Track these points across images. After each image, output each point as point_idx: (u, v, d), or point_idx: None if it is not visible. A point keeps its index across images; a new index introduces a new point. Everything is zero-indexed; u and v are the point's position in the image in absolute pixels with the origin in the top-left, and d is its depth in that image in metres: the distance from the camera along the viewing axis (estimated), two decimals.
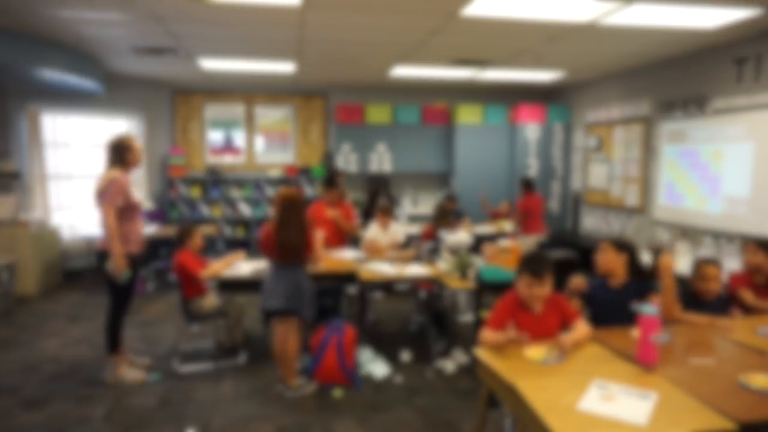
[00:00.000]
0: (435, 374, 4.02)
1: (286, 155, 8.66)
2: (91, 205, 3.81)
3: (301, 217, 3.61)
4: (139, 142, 3.93)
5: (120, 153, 3.78)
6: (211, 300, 4.20)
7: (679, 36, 5.00)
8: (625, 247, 2.92)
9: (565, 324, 2.59)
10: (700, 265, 3.07)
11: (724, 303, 3.04)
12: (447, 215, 5.07)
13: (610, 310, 2.77)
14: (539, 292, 2.53)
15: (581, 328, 2.51)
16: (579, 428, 1.69)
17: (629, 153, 6.90)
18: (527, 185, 6.62)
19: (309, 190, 8.34)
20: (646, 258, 4.34)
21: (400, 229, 5.27)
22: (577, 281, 3.01)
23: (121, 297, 3.85)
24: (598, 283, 2.95)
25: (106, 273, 3.78)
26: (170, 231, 6.69)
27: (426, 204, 8.50)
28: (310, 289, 3.74)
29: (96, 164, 3.91)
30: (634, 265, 2.91)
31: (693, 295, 3.02)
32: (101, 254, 3.79)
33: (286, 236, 3.55)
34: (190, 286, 4.07)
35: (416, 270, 4.33)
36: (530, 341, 2.38)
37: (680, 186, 5.94)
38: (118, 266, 3.64)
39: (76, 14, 4.45)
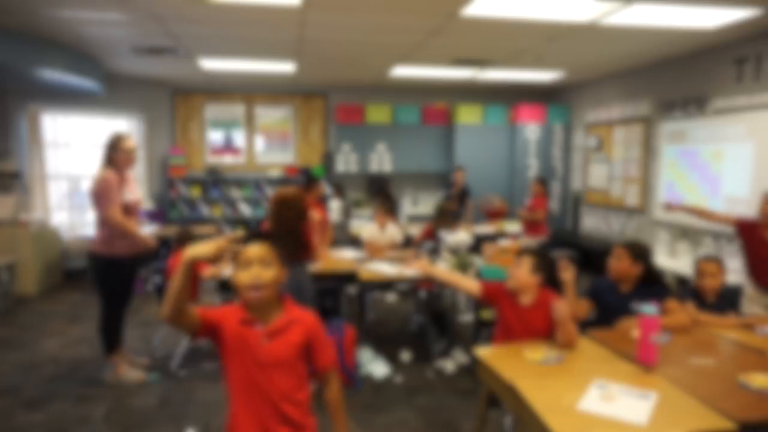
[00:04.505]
0: (435, 374, 4.02)
1: (286, 155, 8.66)
2: (89, 205, 3.81)
3: (294, 215, 3.60)
4: (131, 142, 3.82)
5: (109, 152, 3.75)
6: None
7: (679, 36, 5.00)
8: (641, 256, 2.83)
9: (555, 326, 2.58)
10: (699, 262, 3.07)
11: (726, 302, 3.02)
12: (447, 215, 5.07)
13: (620, 314, 2.75)
14: (513, 271, 2.66)
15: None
16: (579, 428, 1.69)
17: (629, 153, 6.90)
18: (545, 186, 6.43)
19: None
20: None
21: (396, 230, 5.26)
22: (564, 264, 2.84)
23: (115, 298, 3.85)
24: (607, 286, 2.92)
25: (99, 274, 3.80)
26: (170, 231, 6.70)
27: (426, 204, 8.49)
28: (312, 289, 3.74)
29: (96, 164, 3.88)
30: (648, 271, 2.85)
31: (696, 294, 3.02)
32: (92, 256, 3.80)
33: (280, 235, 3.56)
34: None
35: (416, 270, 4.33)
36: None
37: (680, 186, 5.94)
38: (147, 245, 3.79)
39: (76, 14, 4.45)
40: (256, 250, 1.68)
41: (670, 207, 4.35)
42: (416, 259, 2.94)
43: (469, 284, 2.85)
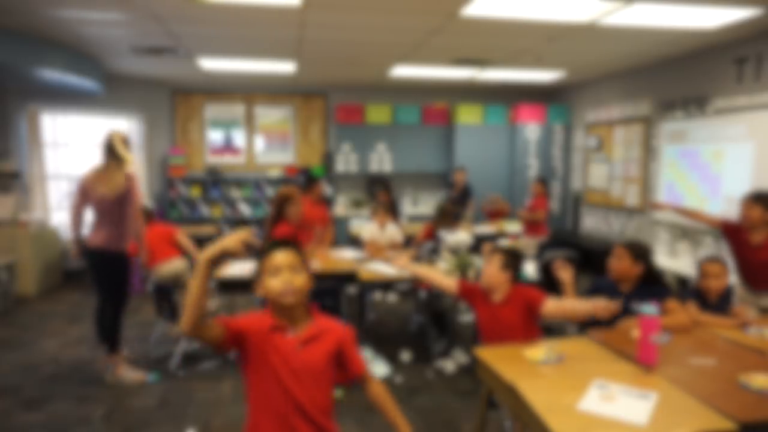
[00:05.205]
0: (435, 374, 4.02)
1: (286, 155, 8.65)
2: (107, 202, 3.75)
3: (273, 213, 3.63)
4: None
5: (127, 148, 3.82)
6: (175, 265, 4.51)
7: (679, 36, 5.00)
8: (642, 256, 2.83)
9: (531, 311, 2.60)
10: (703, 263, 3.06)
11: (728, 302, 3.02)
12: (447, 216, 5.07)
13: (620, 314, 2.75)
14: (484, 269, 2.71)
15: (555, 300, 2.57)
16: (579, 428, 1.69)
17: (629, 153, 6.90)
18: (545, 186, 6.42)
19: None
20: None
21: (396, 229, 5.25)
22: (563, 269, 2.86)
23: (125, 295, 3.91)
24: (607, 286, 2.91)
25: (111, 272, 3.82)
26: None
27: (426, 204, 8.49)
28: None
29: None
30: (649, 271, 2.85)
31: (698, 295, 3.01)
32: (105, 254, 3.78)
33: (265, 232, 3.70)
34: (161, 251, 4.40)
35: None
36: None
37: (680, 186, 5.94)
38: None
39: (76, 14, 4.45)
40: (283, 256, 1.66)
41: (655, 205, 4.41)
42: (401, 258, 2.97)
43: (447, 282, 2.88)
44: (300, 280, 1.67)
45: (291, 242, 1.74)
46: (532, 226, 6.28)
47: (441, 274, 2.88)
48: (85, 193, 3.77)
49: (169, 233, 4.80)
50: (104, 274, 3.85)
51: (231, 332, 1.63)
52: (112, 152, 3.74)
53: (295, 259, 1.68)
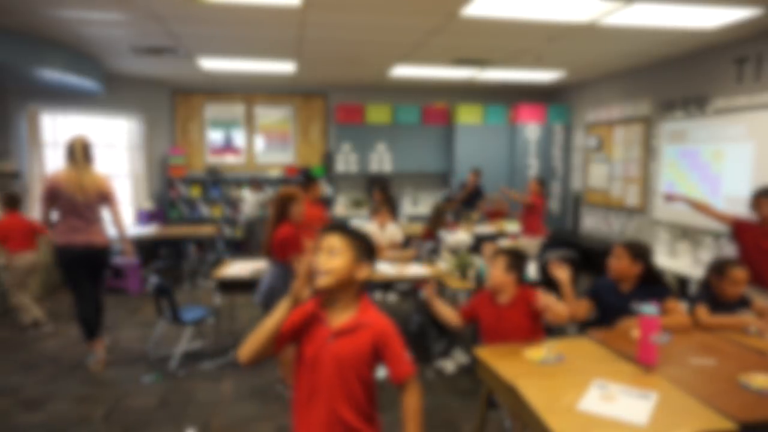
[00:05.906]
0: (435, 374, 4.02)
1: (286, 155, 8.66)
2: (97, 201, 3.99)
3: (275, 214, 3.64)
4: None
5: (87, 155, 3.95)
6: (31, 258, 4.88)
7: (679, 36, 5.00)
8: (641, 255, 2.80)
9: (536, 313, 2.60)
10: (729, 267, 2.93)
11: (742, 304, 2.95)
12: (443, 216, 5.06)
13: (620, 314, 2.74)
14: (489, 271, 2.71)
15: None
16: (579, 428, 1.69)
17: (629, 153, 6.90)
18: (543, 186, 6.42)
19: None
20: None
21: (396, 229, 5.25)
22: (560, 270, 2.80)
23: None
24: (607, 286, 2.90)
25: (106, 265, 4.11)
26: (171, 231, 6.70)
27: (426, 204, 8.49)
28: (284, 290, 3.73)
29: (97, 164, 4.06)
30: (649, 271, 2.83)
31: (713, 296, 2.93)
32: (105, 250, 4.04)
33: (264, 232, 3.72)
34: (21, 242, 4.81)
35: (416, 270, 4.33)
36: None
37: (681, 186, 5.94)
38: (132, 249, 4.28)
39: (76, 14, 4.45)
40: (326, 239, 1.66)
41: (669, 197, 4.36)
42: (429, 286, 2.88)
43: (451, 316, 2.75)
44: (332, 263, 1.61)
45: (343, 226, 1.72)
46: (529, 226, 6.28)
47: (449, 311, 2.79)
48: (55, 197, 3.86)
49: (31, 227, 4.97)
50: (105, 268, 4.14)
51: (283, 338, 1.62)
52: (73, 157, 3.83)
53: (338, 242, 1.64)
